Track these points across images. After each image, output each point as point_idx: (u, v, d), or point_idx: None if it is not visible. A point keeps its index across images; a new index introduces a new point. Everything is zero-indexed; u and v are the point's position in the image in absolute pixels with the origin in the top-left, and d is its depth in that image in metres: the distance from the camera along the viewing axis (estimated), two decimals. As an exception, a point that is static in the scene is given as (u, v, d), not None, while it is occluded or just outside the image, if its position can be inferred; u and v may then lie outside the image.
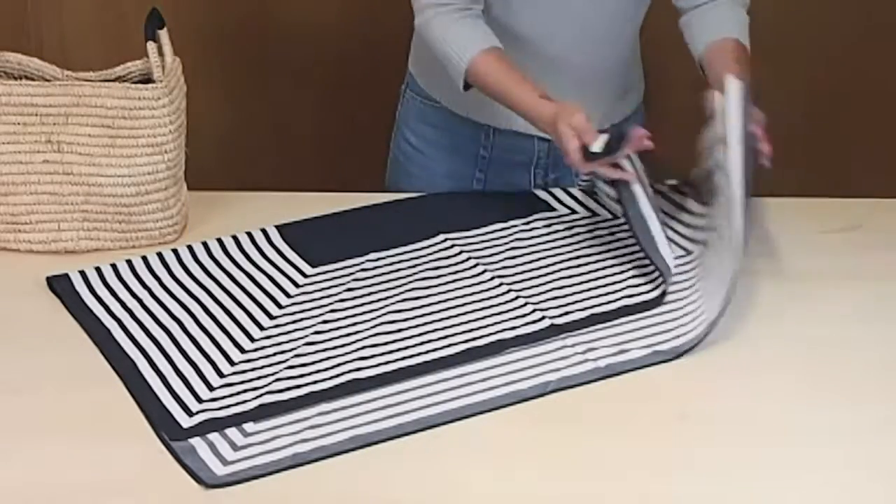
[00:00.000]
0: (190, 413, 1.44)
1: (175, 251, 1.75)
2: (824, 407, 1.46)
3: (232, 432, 1.40)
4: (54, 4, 2.67)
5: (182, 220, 1.82)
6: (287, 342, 1.57)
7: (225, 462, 1.36)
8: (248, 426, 1.41)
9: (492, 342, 1.56)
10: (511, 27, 1.87)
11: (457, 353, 1.54)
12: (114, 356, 1.54)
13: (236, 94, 2.75)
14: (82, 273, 1.69)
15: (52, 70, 1.80)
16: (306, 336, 1.58)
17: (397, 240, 1.79)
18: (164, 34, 1.80)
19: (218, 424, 1.42)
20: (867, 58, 2.74)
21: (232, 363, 1.53)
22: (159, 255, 1.74)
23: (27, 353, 1.55)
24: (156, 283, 1.70)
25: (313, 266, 1.74)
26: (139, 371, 1.51)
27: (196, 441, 1.39)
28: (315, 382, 1.49)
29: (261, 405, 1.44)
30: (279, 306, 1.65)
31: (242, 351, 1.56)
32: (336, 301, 1.65)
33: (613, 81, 1.96)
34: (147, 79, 1.78)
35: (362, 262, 1.74)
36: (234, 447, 1.38)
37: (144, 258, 1.73)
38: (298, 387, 1.48)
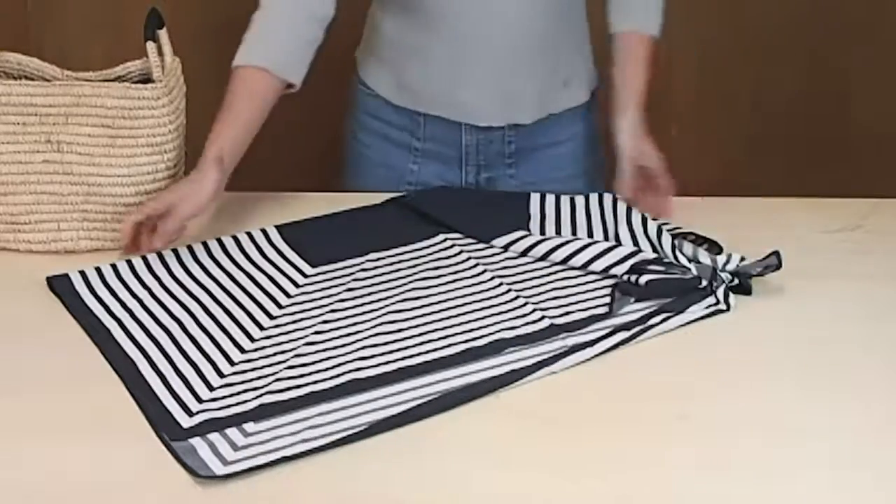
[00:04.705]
0: (190, 413, 1.44)
1: (175, 251, 1.75)
2: (825, 407, 1.46)
3: (232, 432, 1.40)
4: (54, 4, 2.67)
5: (182, 220, 1.82)
6: (287, 342, 1.57)
7: (225, 462, 1.35)
8: (249, 426, 1.41)
9: (492, 342, 1.56)
10: (419, 3, 1.88)
11: (457, 353, 1.54)
12: (114, 356, 1.54)
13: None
14: (82, 273, 1.69)
15: (52, 70, 1.80)
16: (306, 336, 1.58)
17: (397, 240, 1.79)
18: (163, 34, 1.81)
19: (218, 424, 1.41)
20: (868, 57, 2.74)
21: (232, 363, 1.53)
22: (159, 255, 1.74)
23: (27, 353, 1.55)
24: (156, 283, 1.69)
25: (313, 266, 1.74)
26: (139, 371, 1.51)
27: (196, 441, 1.39)
28: (315, 382, 1.48)
29: (261, 405, 1.44)
30: (279, 306, 1.65)
31: (242, 351, 1.56)
32: (336, 301, 1.65)
33: (545, 65, 1.94)
34: (147, 79, 1.79)
35: (362, 262, 1.74)
36: (235, 447, 1.38)
37: (144, 258, 1.73)
38: (298, 387, 1.48)
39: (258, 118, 1.81)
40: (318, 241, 1.79)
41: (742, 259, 1.67)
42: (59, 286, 1.68)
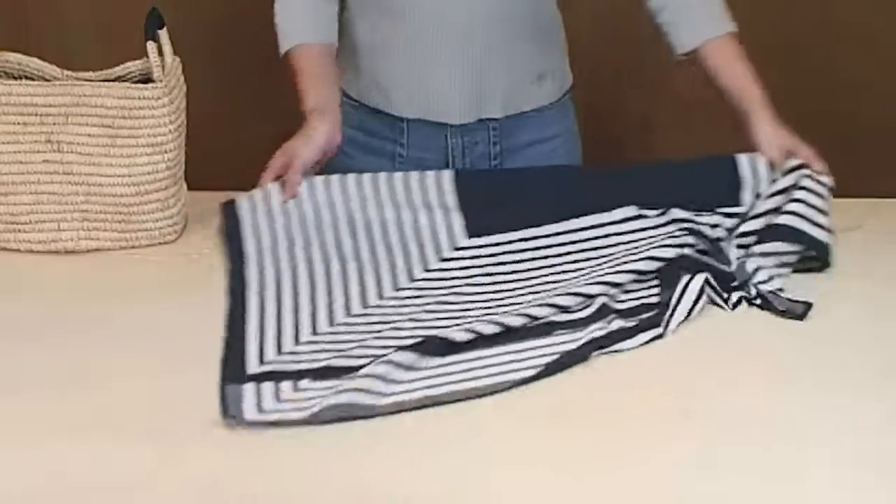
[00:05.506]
0: (262, 361, 1.47)
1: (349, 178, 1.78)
2: (825, 406, 1.45)
3: (285, 385, 1.42)
4: (54, 4, 2.68)
5: (182, 219, 1.82)
6: (393, 315, 1.58)
7: (261, 410, 1.38)
8: (303, 383, 1.43)
9: (543, 324, 1.55)
10: (391, 4, 1.90)
11: (508, 331, 1.52)
12: (234, 288, 1.61)
13: (237, 93, 2.75)
14: (251, 195, 1.75)
15: (52, 70, 1.80)
16: (415, 313, 1.59)
17: (557, 214, 1.75)
18: (163, 34, 1.81)
19: (278, 376, 1.43)
20: (868, 57, 2.74)
21: (332, 322, 1.56)
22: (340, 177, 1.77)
23: (27, 353, 1.55)
24: (311, 210, 1.74)
25: (469, 237, 1.74)
26: (245, 308, 1.56)
27: (248, 386, 1.41)
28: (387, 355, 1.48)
29: (327, 367, 1.45)
30: (411, 279, 1.67)
31: (349, 313, 1.58)
32: (465, 283, 1.65)
33: (513, 60, 1.94)
34: (147, 79, 1.79)
35: (515, 241, 1.73)
36: (278, 398, 1.39)
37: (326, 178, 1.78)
38: (373, 356, 1.46)
39: (335, 73, 1.92)
40: (485, 206, 1.76)
41: (780, 289, 1.63)
42: (227, 210, 1.74)
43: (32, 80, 1.79)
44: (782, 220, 1.69)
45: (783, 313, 1.61)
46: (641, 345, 1.54)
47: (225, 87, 2.72)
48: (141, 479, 1.33)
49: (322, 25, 1.92)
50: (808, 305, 1.60)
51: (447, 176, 1.79)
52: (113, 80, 1.79)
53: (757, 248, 1.68)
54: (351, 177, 1.78)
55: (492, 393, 1.44)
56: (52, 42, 2.67)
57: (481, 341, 1.51)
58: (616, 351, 1.53)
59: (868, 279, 1.71)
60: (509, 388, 1.44)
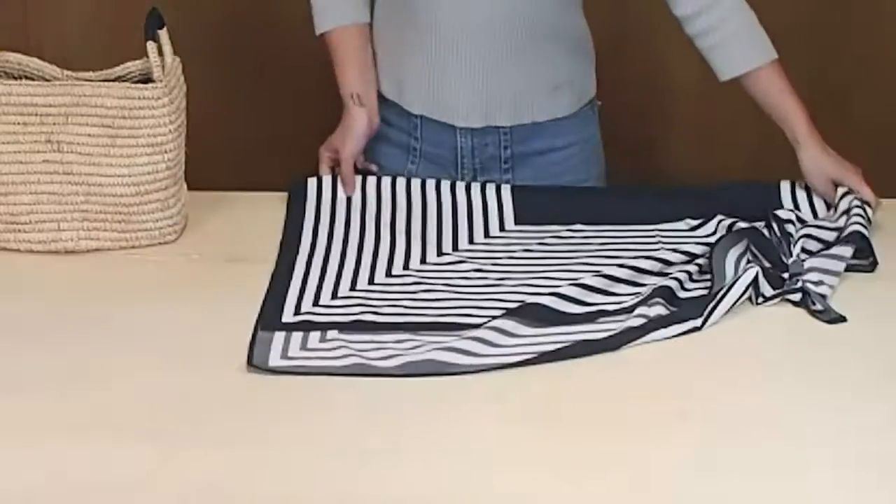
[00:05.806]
0: (298, 312, 1.53)
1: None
2: (826, 407, 1.45)
3: (313, 335, 1.48)
4: (54, 4, 2.67)
5: (182, 219, 1.82)
6: (432, 279, 1.64)
7: (285, 356, 1.44)
8: (331, 333, 1.49)
9: (589, 312, 1.58)
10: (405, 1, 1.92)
11: (553, 313, 1.56)
12: (286, 245, 1.71)
13: (236, 93, 2.74)
14: (319, 179, 1.87)
15: (52, 70, 1.80)
16: (451, 279, 1.64)
17: (616, 217, 1.81)
18: (163, 34, 1.81)
19: (308, 326, 1.50)
20: (868, 56, 2.74)
21: (371, 282, 1.62)
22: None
23: (27, 353, 1.55)
24: (374, 186, 1.84)
25: (516, 223, 1.81)
26: (293, 266, 1.64)
27: (279, 334, 1.49)
28: (419, 316, 1.54)
29: (356, 320, 1.52)
30: (455, 249, 1.73)
31: (388, 275, 1.64)
32: (506, 257, 1.71)
33: (525, 69, 1.93)
34: (147, 79, 1.79)
35: (561, 230, 1.78)
36: (304, 347, 1.45)
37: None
38: (402, 314, 1.54)
39: (369, 58, 1.97)
40: (538, 207, 1.84)
41: (823, 296, 1.63)
42: (296, 184, 1.86)
43: (32, 80, 1.79)
44: (851, 228, 1.72)
45: (819, 313, 1.61)
46: (675, 336, 1.56)
47: (225, 87, 2.72)
48: (141, 479, 1.33)
49: (358, 4, 1.96)
50: (842, 318, 1.61)
51: (506, 188, 1.88)
52: (113, 80, 1.79)
53: (825, 251, 1.70)
54: (416, 180, 1.88)
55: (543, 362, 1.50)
56: (52, 42, 2.66)
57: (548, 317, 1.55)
58: (645, 342, 1.55)
59: (868, 279, 1.71)
60: (546, 361, 1.49)
